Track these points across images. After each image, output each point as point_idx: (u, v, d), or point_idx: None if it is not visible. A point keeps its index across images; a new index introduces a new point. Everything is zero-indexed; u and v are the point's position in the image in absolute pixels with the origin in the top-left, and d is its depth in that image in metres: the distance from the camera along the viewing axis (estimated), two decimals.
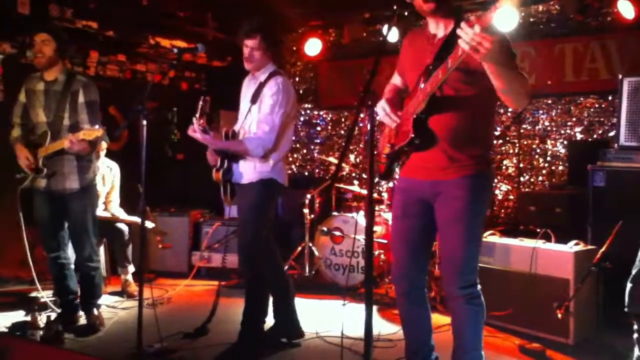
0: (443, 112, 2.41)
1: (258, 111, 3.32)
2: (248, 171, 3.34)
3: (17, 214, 3.68)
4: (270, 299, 3.53)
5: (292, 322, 3.56)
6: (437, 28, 2.48)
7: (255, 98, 3.35)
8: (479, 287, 2.55)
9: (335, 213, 5.18)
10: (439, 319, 3.89)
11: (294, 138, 7.28)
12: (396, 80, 2.79)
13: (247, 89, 3.48)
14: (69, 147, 3.43)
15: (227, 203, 3.47)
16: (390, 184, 5.02)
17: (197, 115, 3.25)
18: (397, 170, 2.61)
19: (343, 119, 7.17)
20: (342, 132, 7.15)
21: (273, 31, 3.39)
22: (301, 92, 7.40)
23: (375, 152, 2.65)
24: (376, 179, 2.76)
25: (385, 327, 3.88)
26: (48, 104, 3.58)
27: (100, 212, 4.56)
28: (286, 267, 5.20)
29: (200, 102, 3.29)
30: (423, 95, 2.35)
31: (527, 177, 5.82)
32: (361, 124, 6.54)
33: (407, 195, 2.62)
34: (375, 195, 1.91)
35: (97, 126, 3.41)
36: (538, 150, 5.79)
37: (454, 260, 2.49)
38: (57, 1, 5.19)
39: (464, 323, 2.54)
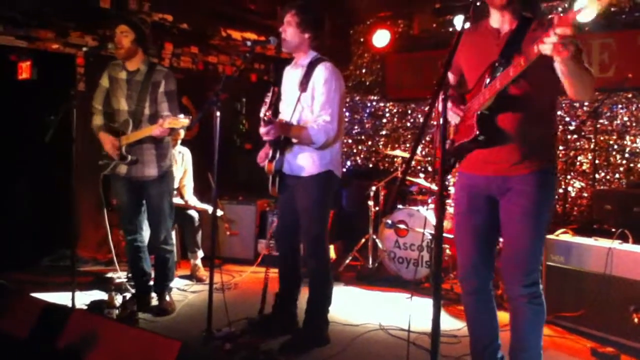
0: (513, 109, 2.34)
1: (311, 99, 3.21)
2: (307, 164, 3.27)
3: (96, 199, 3.86)
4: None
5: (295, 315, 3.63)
6: (502, 22, 2.41)
7: (304, 85, 3.20)
8: (541, 286, 2.50)
9: (400, 206, 5.15)
10: (505, 317, 3.79)
11: (359, 130, 7.37)
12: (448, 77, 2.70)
13: (292, 76, 3.35)
14: (156, 134, 3.57)
15: (274, 194, 3.44)
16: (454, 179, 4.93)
17: (266, 107, 3.23)
18: (456, 165, 2.56)
19: (409, 112, 7.07)
20: (408, 124, 7.06)
21: (310, 6, 3.20)
22: (368, 83, 7.36)
23: (432, 147, 2.63)
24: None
25: (450, 323, 3.84)
26: (130, 93, 3.71)
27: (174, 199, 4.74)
28: (349, 259, 5.26)
29: (269, 93, 3.27)
30: (491, 92, 2.28)
31: (602, 174, 5.57)
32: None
33: (472, 191, 2.56)
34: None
35: (181, 115, 3.52)
36: (615, 147, 5.52)
37: (519, 257, 2.44)
38: None
39: (525, 322, 2.50)
